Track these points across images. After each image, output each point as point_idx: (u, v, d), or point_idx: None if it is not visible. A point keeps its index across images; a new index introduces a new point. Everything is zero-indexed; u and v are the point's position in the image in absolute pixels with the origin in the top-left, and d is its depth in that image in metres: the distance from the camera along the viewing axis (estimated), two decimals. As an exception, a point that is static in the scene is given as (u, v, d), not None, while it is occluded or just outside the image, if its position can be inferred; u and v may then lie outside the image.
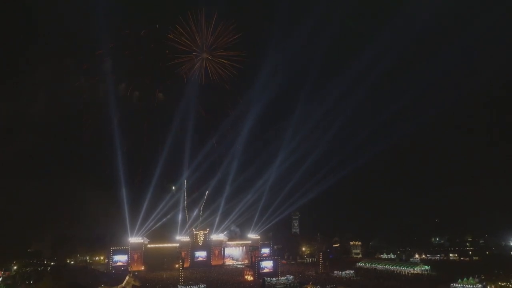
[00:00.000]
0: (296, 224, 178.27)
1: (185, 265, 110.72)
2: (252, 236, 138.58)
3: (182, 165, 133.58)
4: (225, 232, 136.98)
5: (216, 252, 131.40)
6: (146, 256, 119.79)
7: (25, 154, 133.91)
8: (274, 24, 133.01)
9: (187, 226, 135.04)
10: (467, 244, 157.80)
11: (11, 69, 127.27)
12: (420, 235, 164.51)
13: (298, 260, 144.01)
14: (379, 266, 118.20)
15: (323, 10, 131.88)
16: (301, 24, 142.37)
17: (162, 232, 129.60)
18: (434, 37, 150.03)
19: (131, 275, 65.26)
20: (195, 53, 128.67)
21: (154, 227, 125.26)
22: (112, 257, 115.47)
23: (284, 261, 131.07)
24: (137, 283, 64.11)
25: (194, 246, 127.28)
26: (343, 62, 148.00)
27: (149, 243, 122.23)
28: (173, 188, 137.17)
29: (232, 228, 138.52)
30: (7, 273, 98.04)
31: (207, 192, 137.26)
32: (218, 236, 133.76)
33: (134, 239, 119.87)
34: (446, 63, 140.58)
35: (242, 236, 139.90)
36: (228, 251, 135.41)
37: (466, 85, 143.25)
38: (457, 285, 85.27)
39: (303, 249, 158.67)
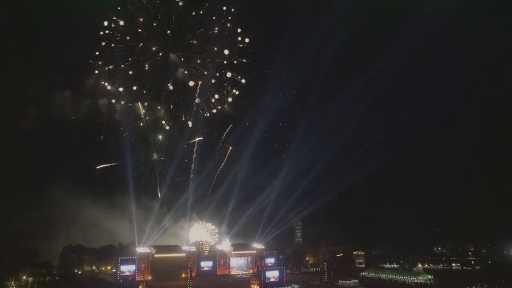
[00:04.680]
0: (299, 234, 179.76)
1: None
2: (257, 246, 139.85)
3: (188, 175, 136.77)
4: (230, 243, 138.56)
5: (222, 262, 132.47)
6: (153, 266, 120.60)
7: (34, 164, 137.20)
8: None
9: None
10: (469, 253, 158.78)
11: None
12: (422, 244, 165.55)
13: (302, 270, 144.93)
14: (383, 276, 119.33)
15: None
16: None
17: (169, 242, 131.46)
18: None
19: (144, 284, 67.18)
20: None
21: (160, 237, 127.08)
22: (119, 267, 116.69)
23: (288, 271, 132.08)
24: (150, 292, 65.91)
25: (200, 256, 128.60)
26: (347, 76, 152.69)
27: (156, 253, 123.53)
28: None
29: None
30: (17, 282, 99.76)
31: (213, 202, 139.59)
32: (223, 246, 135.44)
33: (142, 249, 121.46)
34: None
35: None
36: (233, 261, 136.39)
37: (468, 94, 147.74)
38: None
39: (307, 258, 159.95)
